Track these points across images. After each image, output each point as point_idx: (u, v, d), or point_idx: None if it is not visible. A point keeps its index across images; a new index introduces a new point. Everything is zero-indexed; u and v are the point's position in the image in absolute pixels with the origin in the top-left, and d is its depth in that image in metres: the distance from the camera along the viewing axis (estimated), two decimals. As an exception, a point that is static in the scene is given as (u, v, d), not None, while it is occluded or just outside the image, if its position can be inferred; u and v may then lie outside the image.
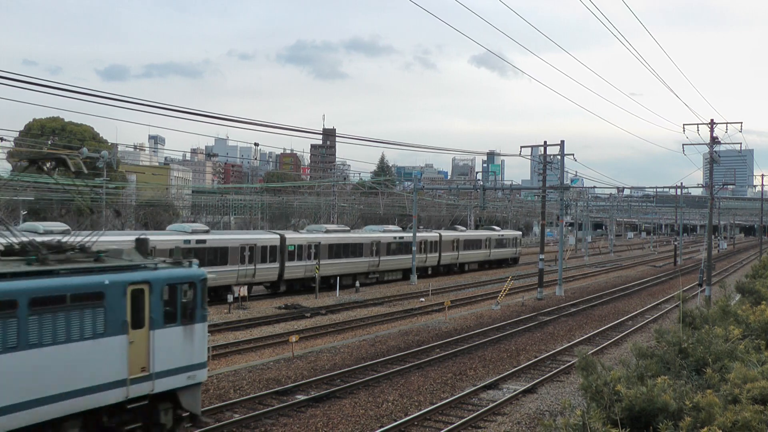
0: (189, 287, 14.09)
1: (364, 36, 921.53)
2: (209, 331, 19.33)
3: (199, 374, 14.30)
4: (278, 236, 40.77)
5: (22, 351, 11.14)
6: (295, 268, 41.46)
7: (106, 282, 12.56)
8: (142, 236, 16.41)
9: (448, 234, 58.84)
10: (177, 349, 13.88)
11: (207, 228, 39.26)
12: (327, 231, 44.88)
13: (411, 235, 51.17)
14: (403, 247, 51.24)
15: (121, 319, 12.70)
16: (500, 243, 68.31)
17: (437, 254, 55.93)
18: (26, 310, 11.18)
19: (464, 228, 70.35)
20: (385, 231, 51.20)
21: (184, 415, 14.15)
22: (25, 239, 13.01)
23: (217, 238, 36.94)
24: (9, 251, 12.62)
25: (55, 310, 11.63)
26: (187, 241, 34.39)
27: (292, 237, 41.87)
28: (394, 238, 50.72)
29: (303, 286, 42.84)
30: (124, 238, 29.71)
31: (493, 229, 70.66)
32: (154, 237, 30.59)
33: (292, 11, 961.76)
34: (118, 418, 12.88)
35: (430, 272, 56.45)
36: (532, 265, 67.21)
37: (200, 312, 14.33)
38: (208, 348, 17.15)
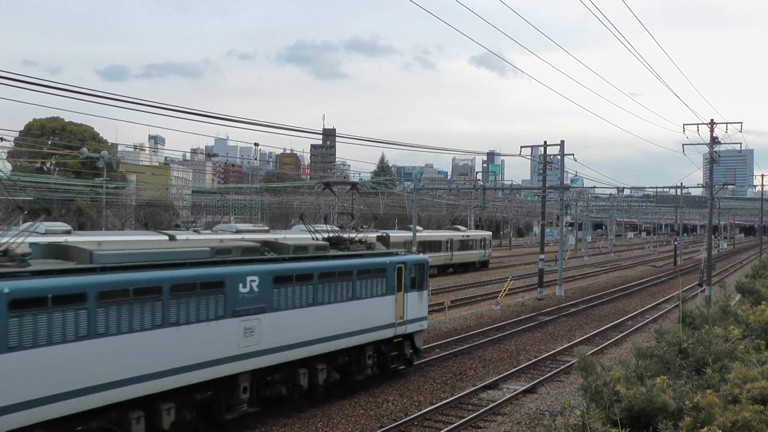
0: (421, 267, 21.39)
1: (364, 36, 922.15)
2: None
3: (424, 324, 21.94)
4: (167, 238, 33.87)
5: (356, 301, 18.57)
6: None
7: (388, 262, 19.89)
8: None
9: (398, 234, 50.78)
10: (416, 307, 21.19)
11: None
12: (238, 231, 38.14)
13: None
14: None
15: (392, 285, 20.03)
16: (465, 245, 61.89)
17: None
18: (356, 276, 18.64)
19: (421, 228, 61.30)
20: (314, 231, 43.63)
21: (413, 350, 21.52)
22: (333, 235, 20.53)
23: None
24: (331, 243, 19.61)
25: (366, 278, 18.98)
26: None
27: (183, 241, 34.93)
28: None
29: None
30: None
31: (458, 230, 64.42)
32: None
33: (292, 11, 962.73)
34: (388, 348, 20.29)
35: None
36: (532, 265, 67.18)
37: (426, 283, 21.74)
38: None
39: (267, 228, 37.64)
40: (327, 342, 17.72)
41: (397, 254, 20.84)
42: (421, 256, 22.25)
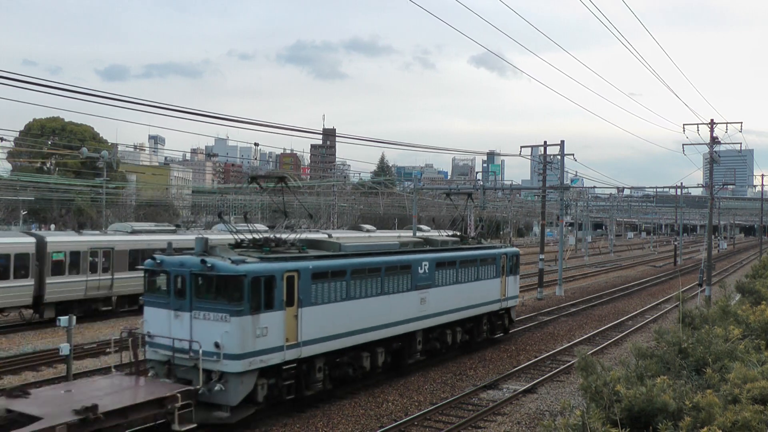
0: (516, 256, 28.75)
1: (363, 36, 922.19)
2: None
3: (517, 300, 29.08)
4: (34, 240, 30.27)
5: (479, 281, 25.10)
6: (66, 286, 30.64)
7: (496, 252, 27.00)
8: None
9: (346, 235, 42.53)
10: (512, 287, 28.00)
11: None
12: (134, 231, 33.80)
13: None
14: None
15: (499, 270, 26.72)
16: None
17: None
18: (479, 263, 25.33)
19: (373, 228, 51.36)
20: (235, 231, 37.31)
21: (509, 321, 28.45)
22: (434, 235, 29.03)
23: None
24: (451, 242, 26.28)
25: (484, 264, 25.72)
26: None
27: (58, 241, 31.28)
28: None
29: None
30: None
31: (419, 230, 48.06)
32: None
33: (292, 11, 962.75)
34: (494, 318, 26.96)
35: None
36: (532, 265, 67.19)
37: (518, 269, 28.84)
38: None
39: (174, 228, 33.36)
40: (463, 311, 24.31)
41: (501, 247, 28.96)
42: (516, 249, 30.02)
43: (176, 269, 16.30)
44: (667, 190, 79.31)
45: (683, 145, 39.37)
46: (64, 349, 17.87)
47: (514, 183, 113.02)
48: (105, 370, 19.82)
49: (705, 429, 8.16)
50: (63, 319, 17.96)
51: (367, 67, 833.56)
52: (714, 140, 37.88)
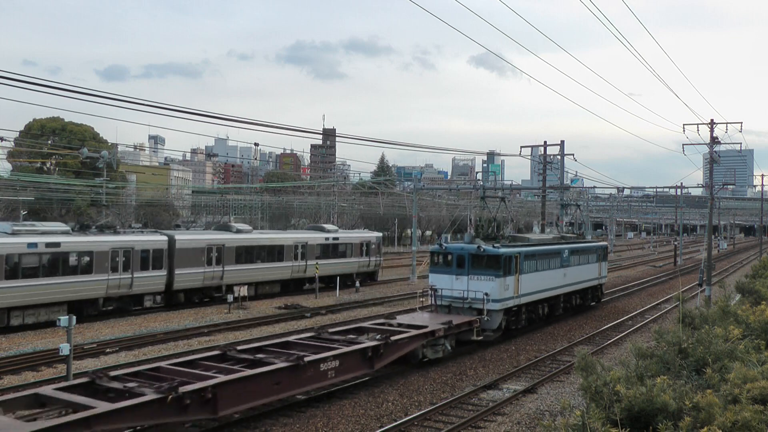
0: (605, 249, 40.23)
1: (362, 36, 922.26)
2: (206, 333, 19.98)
3: (605, 279, 40.69)
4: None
5: (587, 264, 36.17)
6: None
7: (595, 245, 38.63)
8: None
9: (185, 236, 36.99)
10: (603, 270, 39.00)
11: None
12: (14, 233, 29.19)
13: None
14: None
15: (597, 258, 37.67)
16: (332, 251, 45.35)
17: (164, 272, 34.34)
18: (589, 252, 36.74)
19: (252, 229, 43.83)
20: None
21: (601, 294, 40.09)
22: (565, 234, 40.35)
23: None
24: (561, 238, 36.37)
25: (589, 253, 36.56)
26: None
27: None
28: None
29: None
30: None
31: (323, 229, 46.83)
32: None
33: (291, 12, 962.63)
34: (592, 291, 38.10)
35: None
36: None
37: (606, 257, 40.00)
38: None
39: (68, 229, 31.56)
40: (581, 284, 35.45)
41: (597, 241, 42.39)
42: (605, 243, 43.43)
43: (458, 251, 27.09)
44: (667, 190, 79.28)
45: (683, 145, 39.39)
46: (64, 349, 17.86)
47: (514, 183, 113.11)
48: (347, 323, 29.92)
49: (705, 429, 8.15)
50: (63, 319, 17.96)
51: (367, 68, 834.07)
52: (714, 140, 37.87)
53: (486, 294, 25.88)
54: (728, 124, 38.21)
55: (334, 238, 45.94)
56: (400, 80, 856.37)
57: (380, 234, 53.05)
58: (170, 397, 13.66)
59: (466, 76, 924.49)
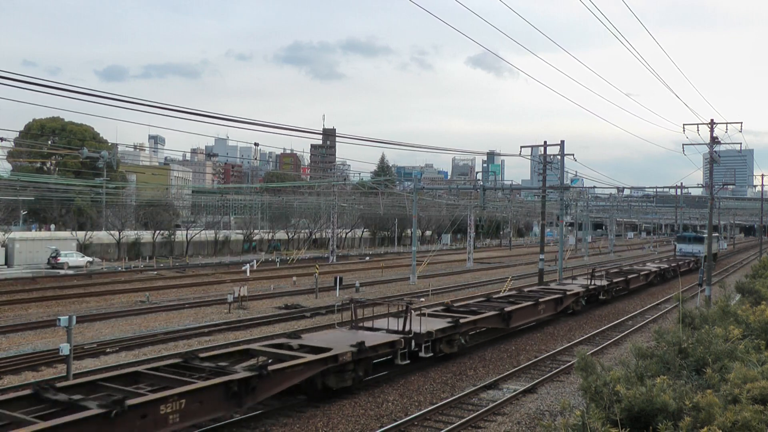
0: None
1: (360, 36, 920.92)
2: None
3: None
4: None
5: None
6: None
7: (700, 252, 66.03)
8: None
9: None
10: None
11: None
12: None
13: None
14: None
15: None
16: None
17: None
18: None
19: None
20: None
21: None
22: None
23: None
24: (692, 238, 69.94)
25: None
26: None
27: None
28: None
29: None
30: None
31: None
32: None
33: (289, 12, 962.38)
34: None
35: None
36: (533, 265, 67.17)
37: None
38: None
39: None
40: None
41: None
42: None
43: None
44: (667, 190, 79.28)
45: (683, 145, 39.37)
46: (64, 349, 17.86)
47: (514, 183, 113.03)
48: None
49: (705, 429, 8.15)
50: (63, 319, 17.96)
51: (365, 68, 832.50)
52: (714, 140, 37.87)
53: None
54: (728, 124, 38.24)
55: None
56: (400, 80, 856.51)
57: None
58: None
59: (464, 76, 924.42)
